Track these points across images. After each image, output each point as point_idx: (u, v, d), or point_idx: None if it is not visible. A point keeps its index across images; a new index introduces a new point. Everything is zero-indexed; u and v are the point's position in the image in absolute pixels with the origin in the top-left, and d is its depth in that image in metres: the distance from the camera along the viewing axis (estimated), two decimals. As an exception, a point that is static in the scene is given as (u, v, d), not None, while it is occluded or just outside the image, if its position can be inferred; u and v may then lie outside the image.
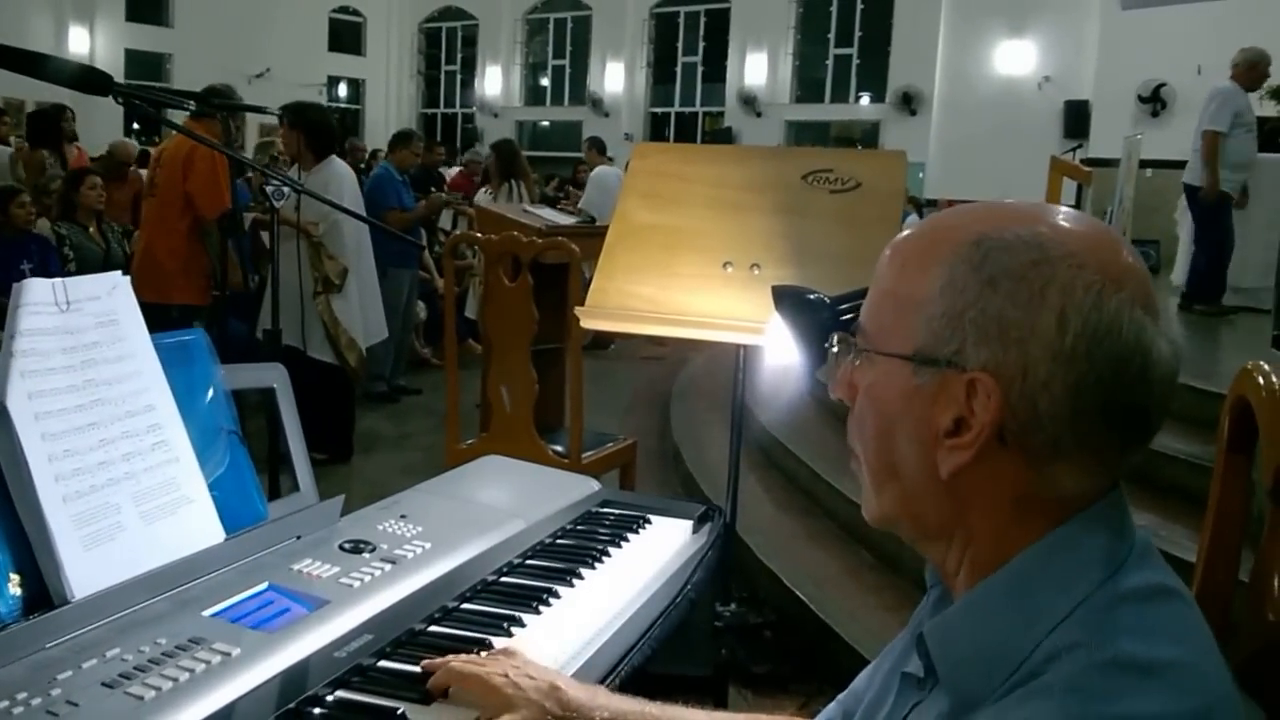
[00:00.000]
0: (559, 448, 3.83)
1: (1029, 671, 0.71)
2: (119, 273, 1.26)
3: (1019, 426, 0.73)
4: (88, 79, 2.31)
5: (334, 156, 5.12)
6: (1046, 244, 0.74)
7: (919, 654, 0.82)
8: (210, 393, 1.34)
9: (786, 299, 1.38)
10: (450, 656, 1.09)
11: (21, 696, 0.92)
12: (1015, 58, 16.44)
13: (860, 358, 0.84)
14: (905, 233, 0.85)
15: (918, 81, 17.63)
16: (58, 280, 1.17)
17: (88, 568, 1.07)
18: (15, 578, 1.05)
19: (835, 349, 0.87)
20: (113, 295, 1.23)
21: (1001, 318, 0.73)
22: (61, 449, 1.09)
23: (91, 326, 1.19)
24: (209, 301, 4.74)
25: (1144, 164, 9.97)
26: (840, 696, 1.06)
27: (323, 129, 5.07)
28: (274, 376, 1.47)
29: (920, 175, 16.46)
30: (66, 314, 1.17)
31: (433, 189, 8.40)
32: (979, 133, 15.80)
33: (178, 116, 3.79)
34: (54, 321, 1.15)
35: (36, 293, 1.14)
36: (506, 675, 1.02)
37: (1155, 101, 13.42)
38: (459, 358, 4.01)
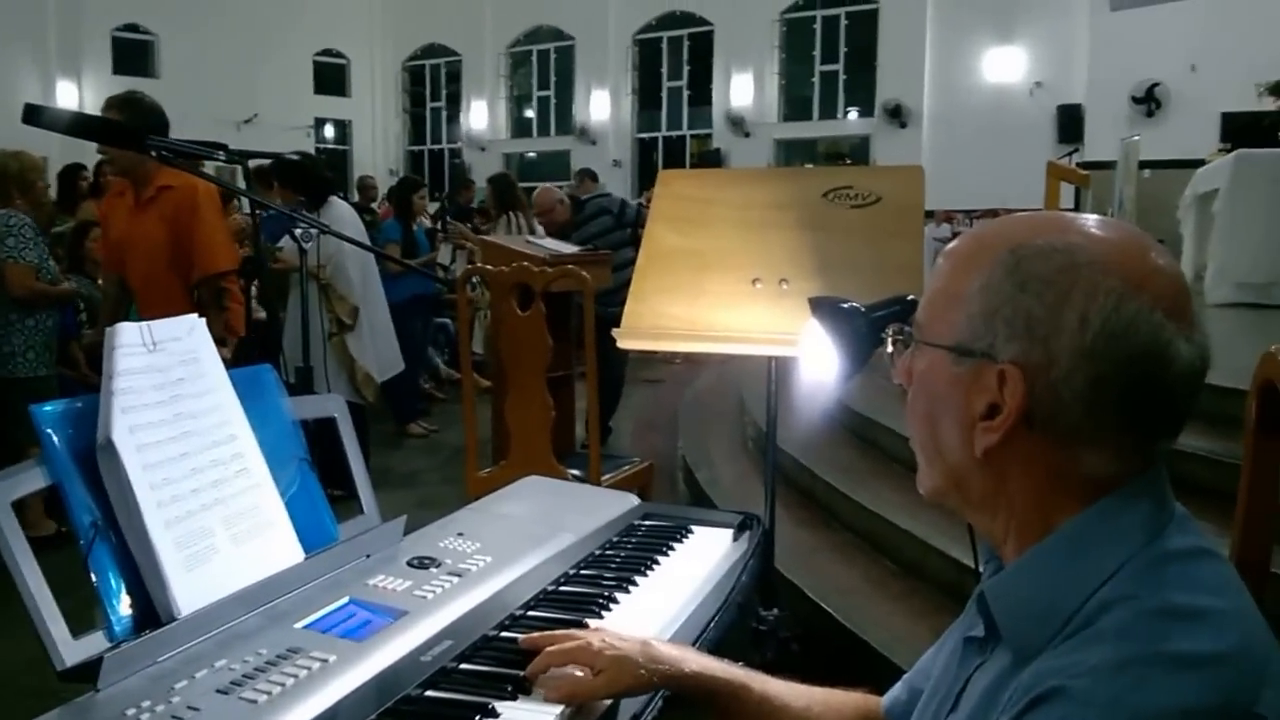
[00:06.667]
0: (577, 471, 3.91)
1: (1083, 621, 0.79)
2: (195, 315, 1.34)
3: (1043, 413, 0.82)
4: (116, 131, 2.41)
5: (332, 198, 5.18)
6: (1075, 251, 0.83)
7: (979, 613, 0.91)
8: (281, 423, 1.42)
9: (824, 308, 1.47)
10: (538, 635, 1.19)
11: (146, 704, 1.00)
12: (1005, 65, 16.44)
13: (915, 348, 0.93)
14: (958, 239, 0.95)
15: (906, 94, 17.74)
16: (143, 324, 1.26)
17: (190, 587, 1.15)
18: (127, 598, 1.13)
19: (894, 340, 0.97)
20: (191, 335, 1.32)
21: (1030, 316, 0.82)
22: (161, 477, 1.17)
23: (176, 364, 1.27)
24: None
25: (1142, 165, 10.05)
26: (906, 675, 1.15)
27: (313, 176, 5.10)
28: (335, 407, 1.56)
29: (911, 188, 16.52)
30: (154, 354, 1.25)
31: (469, 223, 8.56)
32: (972, 142, 15.81)
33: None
34: (144, 361, 1.23)
35: (127, 336, 1.23)
36: (603, 640, 1.14)
37: (1149, 101, 13.42)
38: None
